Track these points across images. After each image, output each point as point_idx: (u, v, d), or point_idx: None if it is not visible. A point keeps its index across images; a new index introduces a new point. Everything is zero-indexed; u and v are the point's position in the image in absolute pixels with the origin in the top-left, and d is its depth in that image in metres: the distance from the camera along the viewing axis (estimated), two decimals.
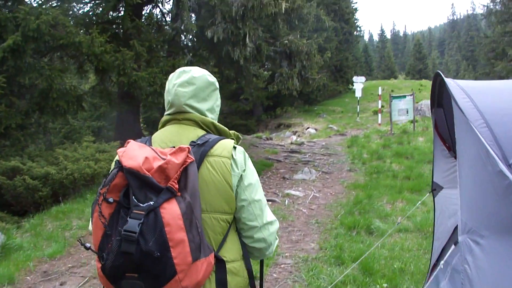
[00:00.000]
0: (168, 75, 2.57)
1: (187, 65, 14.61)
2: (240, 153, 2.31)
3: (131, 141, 2.13)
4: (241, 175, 2.24)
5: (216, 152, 2.20)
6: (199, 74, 2.41)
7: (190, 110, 2.35)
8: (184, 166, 1.97)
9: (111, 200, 1.90)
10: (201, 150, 2.17)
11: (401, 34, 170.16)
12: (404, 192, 11.23)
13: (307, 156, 17.44)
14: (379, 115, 27.13)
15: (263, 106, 37.90)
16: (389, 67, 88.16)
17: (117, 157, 2.06)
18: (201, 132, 2.32)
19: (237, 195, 2.23)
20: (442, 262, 3.57)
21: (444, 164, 4.80)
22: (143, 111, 35.42)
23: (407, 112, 22.10)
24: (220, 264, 2.14)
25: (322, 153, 17.91)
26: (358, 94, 32.31)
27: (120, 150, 2.01)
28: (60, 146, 12.78)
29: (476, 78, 79.79)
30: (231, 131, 2.50)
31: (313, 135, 27.55)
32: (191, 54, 14.53)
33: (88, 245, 1.99)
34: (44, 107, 11.69)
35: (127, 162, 1.90)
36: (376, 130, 23.70)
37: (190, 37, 14.72)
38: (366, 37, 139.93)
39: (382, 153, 16.24)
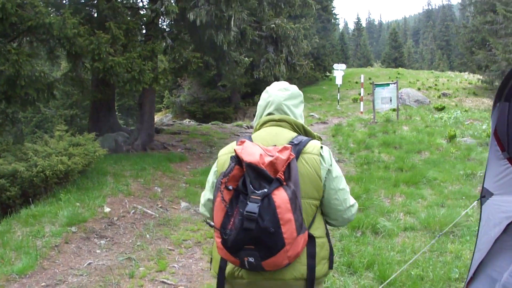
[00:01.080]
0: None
1: (166, 49, 13.91)
2: (326, 151, 2.77)
3: (246, 141, 2.60)
4: (328, 169, 2.70)
5: (308, 150, 2.67)
6: (293, 86, 3.03)
7: (287, 110, 2.88)
8: (288, 161, 2.43)
9: (230, 187, 2.37)
10: (297, 148, 2.63)
11: (376, 23, 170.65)
12: (400, 185, 10.63)
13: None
14: (361, 103, 26.54)
15: (241, 93, 37.12)
16: (365, 55, 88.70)
17: (231, 153, 2.62)
18: (293, 134, 2.79)
19: (326, 185, 2.69)
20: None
21: (497, 167, 4.15)
22: (117, 98, 34.72)
23: (391, 100, 21.56)
24: (311, 239, 2.60)
25: None
26: (339, 81, 31.75)
27: (237, 148, 2.48)
28: (32, 136, 11.78)
29: (453, 67, 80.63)
30: (314, 133, 2.94)
31: None
32: (171, 38, 13.60)
33: (212, 223, 2.51)
34: (11, 96, 10.64)
35: (247, 158, 2.37)
36: (358, 119, 23.11)
37: (170, 20, 13.76)
38: (341, 26, 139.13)
39: (369, 143, 15.62)
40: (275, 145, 2.62)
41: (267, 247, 2.33)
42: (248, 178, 2.36)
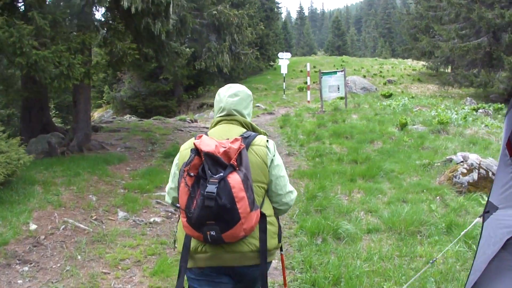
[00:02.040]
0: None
1: (100, 41, 12.82)
2: (271, 144, 3.22)
3: (203, 135, 3.01)
4: (272, 159, 3.15)
5: (256, 143, 3.12)
6: (242, 89, 3.43)
7: (236, 114, 3.32)
8: (239, 150, 2.88)
9: (192, 174, 2.79)
10: (247, 141, 3.07)
11: (319, 11, 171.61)
12: (357, 180, 9.99)
13: None
14: (308, 92, 25.94)
15: (184, 86, 35.83)
16: (308, 44, 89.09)
17: (192, 146, 2.97)
18: (243, 130, 3.26)
19: (269, 172, 3.13)
20: None
21: (504, 176, 3.55)
22: (55, 96, 33.03)
23: (338, 88, 21.10)
24: (262, 217, 3.02)
25: None
26: (284, 70, 31.08)
27: (196, 141, 2.88)
28: None
29: (396, 54, 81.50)
30: (261, 130, 3.38)
31: None
32: (105, 29, 12.48)
33: (178, 205, 2.92)
34: None
35: (205, 148, 2.80)
36: (306, 108, 22.56)
37: (103, 8, 12.63)
38: (284, 15, 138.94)
39: (319, 133, 14.98)
40: (228, 139, 3.01)
41: (226, 221, 2.74)
42: (207, 165, 2.77)
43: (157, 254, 6.56)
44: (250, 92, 3.49)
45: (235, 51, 13.54)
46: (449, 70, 43.20)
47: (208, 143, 2.85)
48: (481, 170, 9.51)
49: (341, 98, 22.91)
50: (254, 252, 3.01)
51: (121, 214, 7.78)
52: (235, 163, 2.83)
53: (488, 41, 30.22)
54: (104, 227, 7.37)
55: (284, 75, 32.42)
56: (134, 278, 5.83)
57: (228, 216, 2.74)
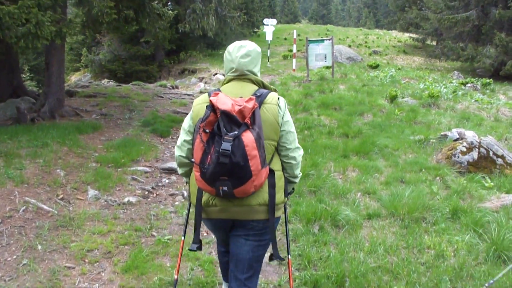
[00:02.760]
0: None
1: None
2: (282, 101, 3.31)
3: (220, 93, 3.09)
4: (282, 115, 3.25)
5: (268, 101, 3.20)
6: (252, 48, 3.38)
7: (248, 73, 3.34)
8: (253, 109, 2.95)
9: (207, 130, 2.90)
10: (259, 99, 3.16)
11: None
12: (351, 156, 9.33)
13: None
14: (294, 60, 25.10)
15: (165, 50, 34.52)
16: (293, 12, 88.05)
17: (205, 103, 3.15)
18: (255, 87, 3.31)
19: (280, 128, 3.23)
20: None
21: None
22: (32, 58, 31.70)
23: (325, 57, 20.30)
24: (271, 172, 3.16)
25: None
26: (269, 37, 30.11)
27: (213, 98, 2.96)
28: None
29: (380, 25, 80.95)
30: (271, 86, 3.43)
31: (222, 82, 24.93)
32: None
33: (193, 160, 2.97)
34: None
35: (222, 106, 2.89)
36: (291, 77, 21.71)
37: None
38: None
39: (307, 104, 14.22)
40: (241, 97, 3.10)
41: (238, 178, 2.88)
42: (222, 122, 2.88)
43: (131, 244, 5.65)
44: (259, 49, 3.48)
45: (221, 13, 12.64)
46: (434, 43, 42.73)
47: (224, 101, 2.93)
48: (481, 149, 8.89)
49: (327, 67, 22.21)
50: (262, 205, 3.13)
51: (91, 192, 6.84)
52: (249, 122, 2.92)
53: (477, 15, 29.66)
54: (71, 208, 6.40)
55: (269, 42, 31.47)
56: (103, 274, 4.90)
57: (241, 173, 2.86)
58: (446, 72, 29.64)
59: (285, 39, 47.99)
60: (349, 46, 41.04)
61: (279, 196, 3.21)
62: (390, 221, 6.23)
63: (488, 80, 23.22)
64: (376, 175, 8.22)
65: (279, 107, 3.22)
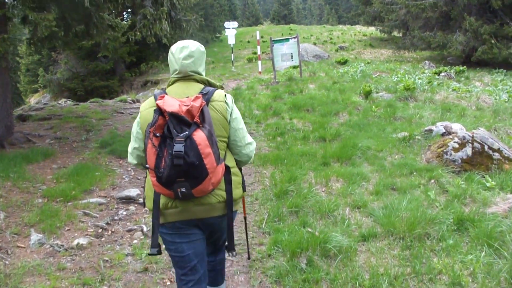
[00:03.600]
0: None
1: (18, 16, 10.73)
2: (229, 98, 3.28)
3: (165, 96, 3.02)
4: (231, 112, 3.23)
5: (215, 98, 3.17)
6: (195, 48, 3.32)
7: (192, 74, 3.29)
8: (201, 107, 2.94)
9: (158, 134, 2.85)
10: (206, 97, 3.11)
11: None
12: (331, 163, 8.42)
13: None
14: (259, 62, 24.22)
15: (126, 63, 33.33)
16: (254, 14, 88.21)
17: (153, 103, 3.08)
18: (201, 86, 3.27)
19: (229, 125, 3.22)
20: None
21: None
22: None
23: (292, 57, 19.52)
24: (227, 169, 3.15)
25: None
26: (231, 41, 29.15)
27: (159, 102, 2.92)
28: None
29: (342, 21, 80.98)
30: (217, 83, 3.37)
31: None
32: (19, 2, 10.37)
33: (147, 166, 2.90)
34: None
35: (169, 108, 2.86)
36: (258, 80, 20.90)
37: None
38: None
39: (277, 107, 13.35)
40: (188, 96, 3.07)
41: (195, 177, 2.85)
42: (171, 124, 2.85)
43: None
44: (203, 48, 3.42)
45: (175, 17, 11.58)
46: (400, 34, 42.40)
47: (171, 103, 2.90)
48: (475, 144, 8.07)
49: (295, 67, 21.49)
50: (221, 203, 3.15)
51: (34, 237, 5.66)
52: (199, 121, 2.89)
53: (444, 1, 29.00)
54: (8, 261, 5.18)
55: (232, 46, 30.53)
56: None
57: (197, 173, 2.83)
58: (416, 62, 29.06)
59: (248, 42, 47.34)
60: (314, 43, 40.52)
61: (237, 191, 3.26)
62: (388, 241, 5.28)
63: (461, 68, 22.69)
64: (364, 184, 7.32)
65: (227, 104, 3.24)
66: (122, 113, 15.18)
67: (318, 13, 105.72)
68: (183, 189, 2.87)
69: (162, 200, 3.07)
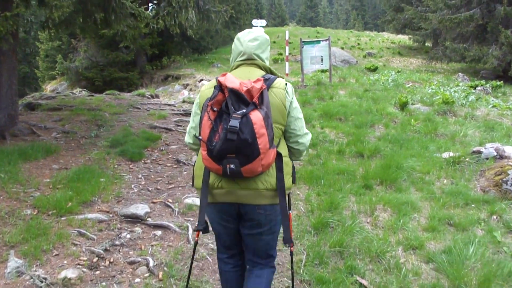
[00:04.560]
0: None
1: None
2: (290, 87, 3.22)
3: (228, 73, 3.05)
4: (291, 101, 3.18)
5: (276, 85, 3.11)
6: (261, 34, 3.37)
7: (256, 58, 3.27)
8: (261, 90, 2.89)
9: (215, 109, 2.87)
10: (267, 83, 3.05)
11: None
12: (373, 186, 7.26)
13: None
14: (287, 63, 23.09)
15: (147, 56, 32.13)
16: (280, 15, 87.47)
17: (214, 83, 3.05)
18: (262, 72, 3.22)
19: (288, 113, 3.16)
20: None
21: None
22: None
23: (322, 60, 18.36)
24: (279, 156, 3.07)
25: None
26: None
27: (221, 78, 2.94)
28: None
29: (368, 28, 79.91)
30: (278, 74, 3.33)
31: None
32: None
33: (200, 137, 2.91)
34: None
35: (230, 84, 2.86)
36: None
37: None
38: None
39: (306, 114, 12.10)
40: (249, 79, 3.00)
41: (246, 155, 2.80)
42: (230, 100, 2.84)
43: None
44: (268, 37, 3.44)
45: (203, 7, 10.38)
46: (430, 44, 41.15)
47: (232, 80, 2.90)
48: None
49: (323, 71, 20.33)
50: (269, 190, 3.03)
51: (12, 263, 4.43)
52: (257, 102, 2.87)
53: (481, 13, 27.68)
54: None
55: None
56: None
57: (248, 151, 2.79)
58: (449, 74, 27.85)
59: (274, 42, 46.12)
60: (342, 48, 39.33)
61: (287, 181, 3.13)
62: None
63: (498, 83, 21.41)
64: (416, 216, 6.15)
65: (287, 92, 3.17)
66: (139, 108, 14.04)
67: (344, 17, 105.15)
68: (232, 166, 2.84)
69: (210, 179, 3.07)
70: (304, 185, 7.23)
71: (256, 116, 2.79)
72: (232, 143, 2.75)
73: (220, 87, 2.92)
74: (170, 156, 9.09)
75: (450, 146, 9.48)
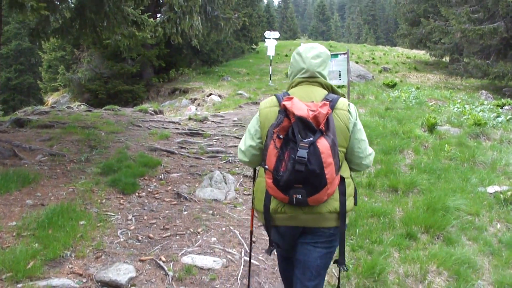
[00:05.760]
0: None
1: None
2: (353, 108, 3.08)
3: (294, 97, 2.92)
4: (354, 123, 3.05)
5: (339, 107, 2.99)
6: (323, 50, 3.24)
7: (318, 76, 3.17)
8: (327, 115, 2.82)
9: (281, 136, 2.79)
10: (331, 105, 2.93)
11: None
12: (418, 235, 5.84)
13: (214, 141, 11.47)
14: None
15: (154, 68, 30.79)
16: (292, 28, 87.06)
17: (275, 102, 3.07)
18: (325, 91, 3.13)
19: (351, 136, 3.05)
20: None
21: None
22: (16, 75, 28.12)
23: (340, 75, 16.92)
24: (341, 179, 3.00)
25: (238, 136, 11.99)
26: (271, 52, 26.85)
27: (287, 103, 2.83)
28: None
29: (380, 42, 78.97)
30: (339, 91, 3.21)
31: (218, 105, 21.28)
32: None
33: (266, 166, 2.83)
34: None
35: (298, 112, 2.77)
36: None
37: None
38: None
39: None
40: (313, 101, 2.98)
41: (313, 186, 2.75)
42: (297, 128, 2.77)
43: None
44: (329, 53, 3.32)
45: (212, 14, 9.03)
46: (447, 59, 39.94)
47: (299, 107, 2.82)
48: None
49: (339, 86, 18.97)
50: (332, 213, 2.97)
51: None
52: (324, 128, 2.81)
53: (505, 26, 26.32)
54: None
55: (271, 58, 28.15)
56: None
57: (316, 181, 2.73)
58: (471, 91, 26.41)
59: (286, 55, 45.10)
60: (356, 62, 38.10)
61: (349, 203, 3.07)
62: None
63: None
64: (480, 284, 4.76)
65: (350, 113, 3.05)
66: (139, 126, 12.66)
67: (356, 32, 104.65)
68: (298, 196, 2.78)
69: (273, 204, 3.02)
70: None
71: (323, 145, 2.73)
72: (300, 174, 2.70)
73: (285, 111, 2.86)
74: (169, 187, 7.71)
75: (494, 178, 8.28)
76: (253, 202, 3.31)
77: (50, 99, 30.65)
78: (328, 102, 2.93)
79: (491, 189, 7.76)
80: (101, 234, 5.53)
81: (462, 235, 5.98)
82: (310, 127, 2.77)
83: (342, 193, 2.99)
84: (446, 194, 7.16)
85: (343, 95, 3.17)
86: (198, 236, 5.59)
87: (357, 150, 3.10)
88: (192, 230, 5.73)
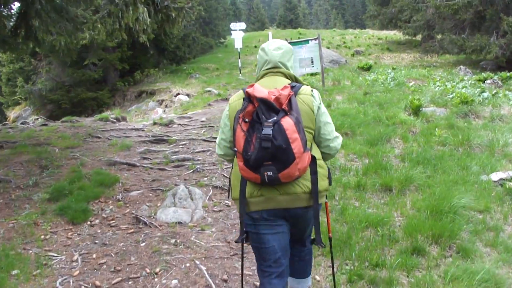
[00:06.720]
0: None
1: None
2: (316, 93, 3.23)
3: (255, 84, 3.06)
4: (318, 107, 3.17)
5: (303, 92, 3.14)
6: (284, 43, 3.39)
7: (281, 66, 3.30)
8: (289, 96, 2.94)
9: (247, 120, 2.89)
10: (294, 90, 3.08)
11: None
12: (426, 248, 4.82)
13: (180, 147, 10.31)
14: None
15: (118, 72, 29.48)
16: (259, 19, 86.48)
17: (242, 95, 3.13)
18: (288, 81, 3.23)
19: (316, 119, 3.16)
20: None
21: None
22: None
23: (312, 62, 16.12)
24: (313, 159, 3.05)
25: (207, 139, 10.89)
26: (238, 44, 25.89)
27: (249, 89, 2.95)
28: None
29: (349, 26, 78.69)
30: (304, 82, 3.35)
31: (186, 105, 20.14)
32: None
33: (235, 149, 2.94)
34: None
35: (259, 94, 2.88)
36: None
37: None
38: None
39: None
40: (276, 88, 3.05)
41: (282, 161, 2.84)
42: (260, 110, 2.87)
43: None
44: (291, 47, 3.46)
45: (162, 4, 7.88)
46: (419, 38, 39.37)
47: (260, 90, 2.94)
48: None
49: (313, 74, 18.11)
50: (307, 193, 3.06)
51: None
52: (287, 108, 2.91)
53: (480, 0, 25.56)
54: None
55: (239, 51, 27.13)
56: None
57: (284, 156, 2.83)
58: (448, 67, 25.66)
59: (255, 47, 44.11)
60: (328, 48, 37.26)
61: (323, 183, 3.16)
62: None
63: (508, 74, 19.27)
64: None
65: (314, 97, 3.19)
66: (99, 137, 11.41)
67: (324, 17, 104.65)
68: (269, 173, 2.86)
69: (248, 188, 3.08)
70: (323, 258, 4.76)
71: (287, 122, 2.83)
72: (267, 150, 2.79)
73: (249, 98, 2.95)
74: (127, 210, 6.58)
75: (495, 162, 7.54)
76: (229, 194, 3.39)
77: (12, 114, 29.23)
78: (289, 86, 3.06)
79: (495, 176, 6.91)
80: (36, 287, 4.40)
81: (477, 241, 4.99)
82: (273, 108, 2.88)
83: (314, 173, 3.08)
84: (449, 189, 6.21)
85: (306, 85, 3.28)
86: (156, 279, 4.42)
87: (323, 132, 3.20)
88: (148, 271, 4.59)
